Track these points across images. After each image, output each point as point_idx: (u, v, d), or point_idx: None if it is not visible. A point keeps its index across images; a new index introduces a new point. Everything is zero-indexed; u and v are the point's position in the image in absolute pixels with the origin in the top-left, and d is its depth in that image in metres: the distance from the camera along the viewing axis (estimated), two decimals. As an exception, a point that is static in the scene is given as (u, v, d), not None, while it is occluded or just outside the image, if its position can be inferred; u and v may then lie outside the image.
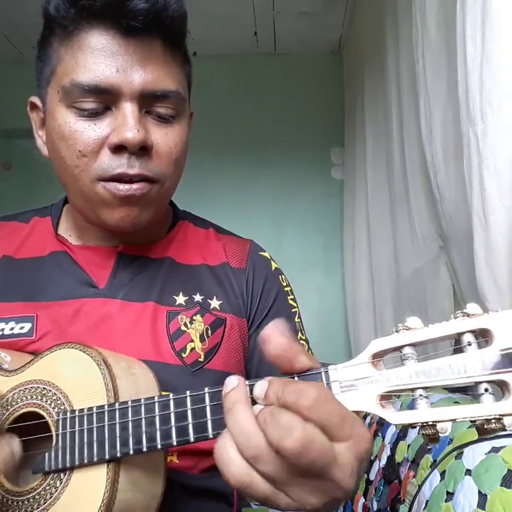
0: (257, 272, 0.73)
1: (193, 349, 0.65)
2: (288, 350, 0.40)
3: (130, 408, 0.46)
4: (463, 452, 0.76)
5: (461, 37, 0.84)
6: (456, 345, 0.38)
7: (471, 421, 0.36)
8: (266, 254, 0.78)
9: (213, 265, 0.72)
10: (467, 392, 1.09)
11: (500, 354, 0.36)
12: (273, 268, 0.76)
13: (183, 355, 0.64)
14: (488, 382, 0.36)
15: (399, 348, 0.39)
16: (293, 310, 0.75)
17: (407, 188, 1.41)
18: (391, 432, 1.11)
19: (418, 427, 0.37)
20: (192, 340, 0.65)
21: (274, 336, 0.40)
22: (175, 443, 0.43)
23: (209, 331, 0.67)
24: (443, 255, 1.22)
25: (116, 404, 0.47)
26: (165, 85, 0.59)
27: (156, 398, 0.45)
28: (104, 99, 0.57)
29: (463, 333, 0.37)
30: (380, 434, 1.16)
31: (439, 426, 0.36)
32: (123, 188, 0.59)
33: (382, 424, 1.17)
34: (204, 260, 0.72)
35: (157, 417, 0.45)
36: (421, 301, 1.39)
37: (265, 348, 0.40)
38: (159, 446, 0.44)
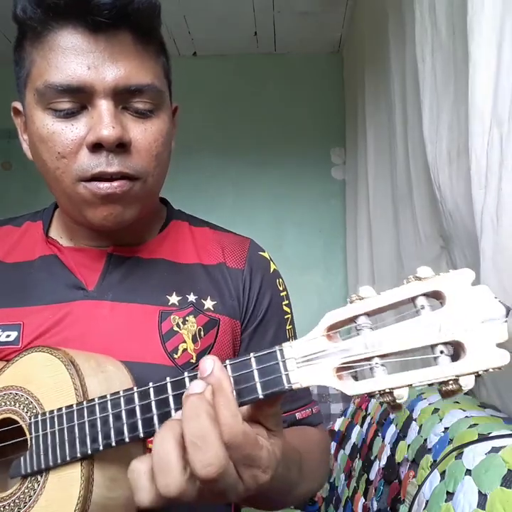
0: (255, 272, 0.72)
1: (185, 350, 0.64)
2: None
3: (97, 405, 0.47)
4: (463, 452, 0.76)
5: (493, 37, 0.83)
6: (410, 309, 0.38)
7: (428, 385, 0.36)
8: (265, 254, 0.77)
9: (208, 264, 0.71)
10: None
11: (453, 314, 0.36)
12: (271, 270, 0.75)
13: (175, 356, 0.63)
14: (443, 343, 0.36)
15: (353, 319, 0.39)
16: (286, 316, 0.74)
17: (410, 187, 1.41)
18: (391, 431, 1.11)
19: (376, 397, 0.37)
20: (184, 341, 0.64)
21: None
22: (142, 435, 0.45)
23: (202, 332, 0.66)
24: (444, 255, 1.23)
25: (84, 402, 0.47)
26: (138, 79, 0.58)
27: (121, 392, 0.46)
28: (79, 98, 0.57)
29: (416, 297, 0.37)
30: (380, 434, 1.17)
31: (396, 393, 0.36)
32: (103, 186, 0.58)
33: (382, 424, 1.18)
34: (199, 259, 0.71)
35: (123, 411, 0.45)
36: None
37: None
38: (127, 440, 0.45)
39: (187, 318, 0.66)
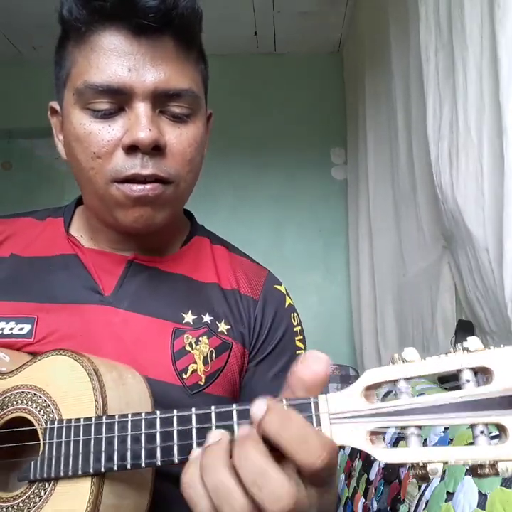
0: (268, 305, 0.71)
1: (194, 371, 0.63)
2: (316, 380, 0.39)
3: (117, 423, 0.45)
4: (463, 452, 0.76)
5: None
6: (454, 380, 0.36)
7: (463, 464, 0.34)
8: (282, 288, 0.75)
9: (225, 288, 0.70)
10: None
11: (499, 395, 0.34)
12: (286, 304, 0.74)
13: (184, 376, 0.62)
14: (485, 424, 0.34)
15: (393, 381, 0.37)
16: (298, 352, 0.72)
17: (414, 187, 1.41)
18: (391, 431, 1.11)
19: (408, 466, 0.36)
20: (195, 362, 0.63)
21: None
22: (159, 463, 0.43)
23: (213, 355, 0.65)
24: (446, 255, 1.23)
25: (104, 417, 0.46)
26: (177, 84, 0.59)
27: (143, 415, 0.44)
28: (118, 100, 0.57)
29: (461, 369, 0.35)
30: (380, 434, 1.16)
31: (429, 467, 0.35)
32: (136, 188, 0.58)
33: (382, 424, 1.17)
34: (217, 280, 0.71)
35: (143, 435, 0.44)
36: (425, 301, 1.38)
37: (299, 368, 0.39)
38: (143, 465, 0.43)
39: (200, 338, 0.65)
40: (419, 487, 0.84)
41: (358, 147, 2.11)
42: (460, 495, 0.70)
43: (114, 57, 0.57)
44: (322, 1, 2.09)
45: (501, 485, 0.63)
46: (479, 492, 0.66)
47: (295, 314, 0.75)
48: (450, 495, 0.73)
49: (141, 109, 0.57)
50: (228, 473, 0.36)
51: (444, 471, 0.78)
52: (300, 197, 2.41)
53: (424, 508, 0.80)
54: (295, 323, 0.74)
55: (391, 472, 1.01)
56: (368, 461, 1.17)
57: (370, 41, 1.87)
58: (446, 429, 0.88)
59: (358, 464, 1.24)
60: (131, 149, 0.57)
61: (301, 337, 0.74)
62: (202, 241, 0.75)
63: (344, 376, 2.19)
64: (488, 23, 0.92)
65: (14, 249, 0.69)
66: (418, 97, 1.29)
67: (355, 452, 1.30)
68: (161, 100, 0.59)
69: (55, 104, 0.66)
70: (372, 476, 1.11)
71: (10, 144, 2.53)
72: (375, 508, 1.03)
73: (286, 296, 0.75)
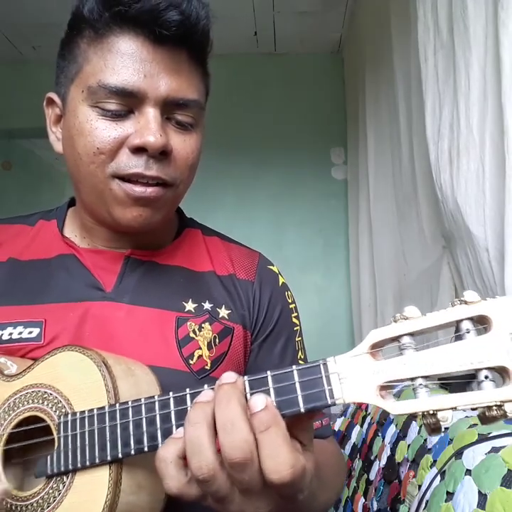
0: (264, 286, 0.73)
1: (200, 356, 0.65)
2: None
3: (130, 408, 0.46)
4: (463, 452, 0.76)
5: None
6: (455, 332, 0.38)
7: (472, 409, 0.36)
8: (274, 268, 0.78)
9: (221, 275, 0.72)
10: (466, 389, 1.08)
11: (499, 339, 0.36)
12: (280, 283, 0.76)
13: (191, 362, 0.64)
14: (488, 368, 0.36)
15: (397, 338, 0.39)
16: (295, 328, 0.75)
17: (415, 187, 1.41)
18: (391, 432, 1.11)
19: (419, 417, 0.37)
20: (200, 348, 0.65)
21: None
22: None
23: (217, 340, 0.67)
24: (446, 255, 1.23)
25: (117, 404, 0.47)
26: (187, 94, 0.61)
27: (156, 397, 0.46)
28: (128, 102, 0.59)
29: (461, 320, 0.37)
30: (380, 434, 1.16)
31: (440, 415, 0.36)
32: (138, 189, 0.60)
33: (382, 424, 1.17)
34: (213, 268, 0.73)
35: (157, 416, 0.45)
36: (425, 301, 1.39)
37: None
38: (161, 445, 0.44)
39: (203, 325, 0.67)
40: (419, 487, 0.84)
41: (358, 147, 2.11)
42: (460, 495, 0.70)
43: (131, 62, 0.58)
44: (322, 1, 2.09)
45: (501, 485, 0.63)
46: (479, 492, 0.66)
47: (289, 292, 0.78)
48: (450, 495, 0.73)
49: (152, 114, 0.59)
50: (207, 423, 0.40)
51: (443, 471, 0.78)
52: (300, 197, 2.42)
53: (424, 508, 0.80)
54: (290, 301, 0.77)
55: (391, 472, 1.01)
56: (367, 461, 1.17)
57: (370, 41, 1.88)
58: (446, 428, 0.88)
59: (357, 463, 1.24)
60: (138, 151, 0.59)
61: (296, 314, 0.77)
62: (194, 233, 0.77)
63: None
64: (492, 24, 0.92)
65: (11, 253, 0.69)
66: (419, 97, 1.29)
67: (355, 452, 1.30)
68: (169, 108, 0.61)
69: (53, 96, 0.66)
70: (372, 476, 1.11)
71: (10, 144, 2.53)
72: (375, 508, 1.03)
73: (279, 276, 0.78)
